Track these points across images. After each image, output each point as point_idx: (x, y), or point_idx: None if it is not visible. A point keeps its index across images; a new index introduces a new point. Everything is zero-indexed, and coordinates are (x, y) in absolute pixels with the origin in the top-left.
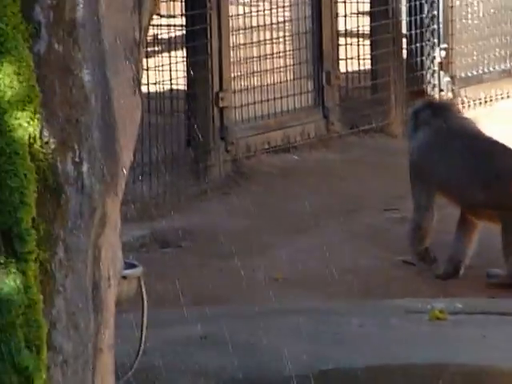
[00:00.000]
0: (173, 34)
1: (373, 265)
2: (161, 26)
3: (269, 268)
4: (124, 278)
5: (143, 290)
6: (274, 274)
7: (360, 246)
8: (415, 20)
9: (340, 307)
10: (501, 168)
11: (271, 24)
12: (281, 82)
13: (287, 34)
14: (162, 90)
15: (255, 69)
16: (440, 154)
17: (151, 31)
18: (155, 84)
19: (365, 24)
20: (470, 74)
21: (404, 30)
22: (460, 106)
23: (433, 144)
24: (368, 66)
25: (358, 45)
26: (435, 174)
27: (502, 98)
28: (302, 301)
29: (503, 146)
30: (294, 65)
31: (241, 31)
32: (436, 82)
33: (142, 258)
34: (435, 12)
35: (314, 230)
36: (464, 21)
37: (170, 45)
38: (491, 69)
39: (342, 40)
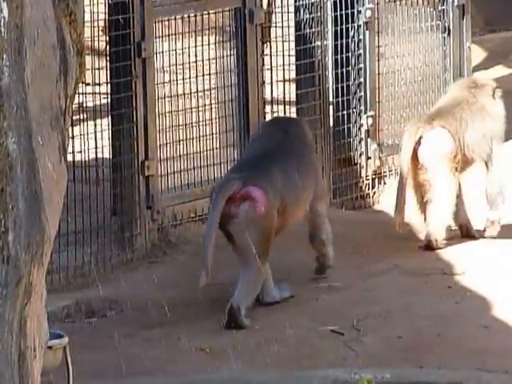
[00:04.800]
0: (98, 102)
1: (300, 334)
2: (86, 93)
3: (196, 338)
4: (49, 348)
5: (69, 360)
6: (201, 344)
7: (288, 315)
8: (342, 87)
9: (267, 378)
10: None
11: (197, 92)
12: (207, 150)
13: (213, 101)
14: (87, 159)
15: (181, 137)
16: None
17: (76, 99)
18: (80, 152)
19: (291, 91)
20: (397, 142)
21: (331, 97)
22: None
23: None
24: None
25: (285, 112)
26: None
27: None
28: (228, 371)
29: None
30: (220, 133)
31: (166, 99)
32: (363, 150)
33: (68, 328)
34: (362, 79)
35: None
36: (391, 88)
37: (95, 113)
38: None
39: (268, 107)
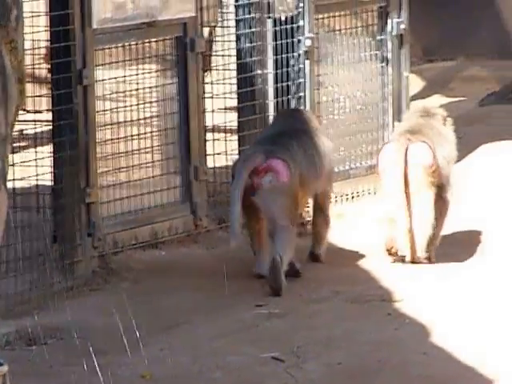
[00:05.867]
0: (39, 130)
1: (242, 361)
2: (27, 121)
3: (137, 366)
4: None
5: None
6: (142, 371)
7: (229, 342)
8: None
9: None
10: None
11: (138, 119)
12: (148, 178)
13: (155, 129)
14: (28, 186)
15: (122, 164)
16: None
17: (17, 126)
18: (21, 180)
19: (232, 119)
20: (336, 170)
21: None
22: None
23: None
24: None
25: (226, 140)
26: None
27: (369, 193)
28: None
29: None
30: (161, 160)
31: (108, 126)
32: None
33: (8, 355)
34: (302, 107)
35: (184, 327)
36: (331, 116)
37: (36, 140)
38: (358, 164)
39: (209, 135)
